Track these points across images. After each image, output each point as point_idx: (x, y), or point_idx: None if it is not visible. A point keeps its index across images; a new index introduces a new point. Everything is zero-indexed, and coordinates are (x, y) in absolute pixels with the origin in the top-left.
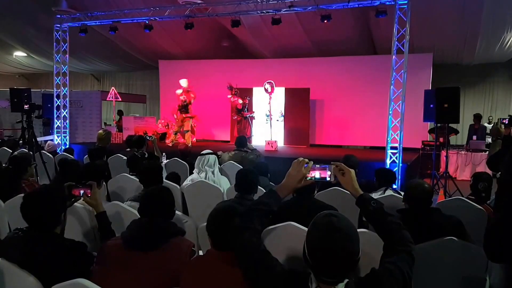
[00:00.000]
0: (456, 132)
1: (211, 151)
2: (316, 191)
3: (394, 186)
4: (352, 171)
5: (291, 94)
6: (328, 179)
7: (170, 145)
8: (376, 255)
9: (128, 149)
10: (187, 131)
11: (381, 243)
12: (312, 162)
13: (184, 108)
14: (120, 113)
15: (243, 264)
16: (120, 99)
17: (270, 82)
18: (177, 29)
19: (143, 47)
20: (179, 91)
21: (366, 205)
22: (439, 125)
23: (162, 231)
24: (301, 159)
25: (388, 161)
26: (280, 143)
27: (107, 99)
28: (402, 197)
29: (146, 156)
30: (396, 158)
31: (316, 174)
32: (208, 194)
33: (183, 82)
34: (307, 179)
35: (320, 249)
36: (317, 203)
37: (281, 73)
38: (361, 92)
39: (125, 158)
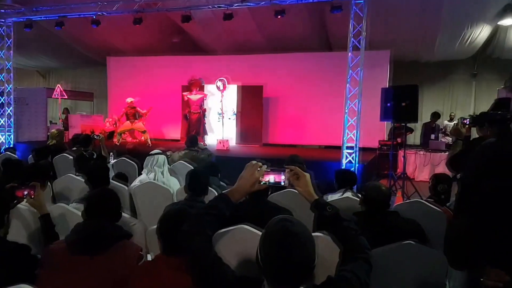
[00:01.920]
0: (411, 131)
1: (160, 151)
2: (269, 193)
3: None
4: (308, 175)
5: (244, 92)
6: (282, 183)
7: (118, 143)
8: (333, 262)
9: (74, 148)
10: (145, 131)
11: (337, 249)
12: (265, 166)
13: (133, 116)
14: (66, 111)
15: (193, 271)
16: (66, 97)
17: (222, 79)
18: (126, 24)
19: (91, 43)
20: (129, 100)
21: (322, 210)
22: (396, 124)
23: (107, 235)
24: (254, 162)
25: (344, 161)
26: (233, 142)
27: (52, 97)
28: (359, 199)
29: (95, 156)
30: (352, 158)
31: (271, 178)
32: (157, 195)
33: (129, 99)
34: (261, 183)
35: (274, 256)
36: (271, 205)
37: (234, 69)
38: (316, 89)
39: (71, 157)
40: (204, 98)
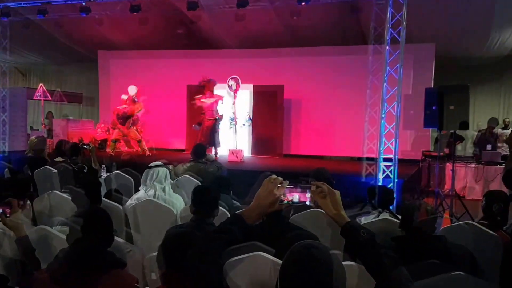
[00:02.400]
0: (461, 139)
1: (162, 163)
2: (291, 214)
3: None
4: (337, 193)
5: (260, 93)
6: (308, 203)
7: (112, 154)
8: None
9: (59, 159)
10: (140, 140)
11: (373, 281)
12: (287, 182)
13: (123, 119)
14: (50, 115)
15: None
16: (50, 98)
17: (235, 78)
18: (122, 13)
19: (79, 34)
20: (124, 97)
21: (354, 235)
22: (443, 132)
23: (97, 263)
24: (274, 177)
25: (380, 176)
26: (247, 152)
27: (34, 98)
28: (398, 221)
29: (85, 169)
30: (390, 172)
31: (294, 197)
32: (158, 216)
33: (131, 90)
34: (283, 202)
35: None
36: (293, 228)
37: (248, 67)
38: (346, 90)
39: (55, 171)
40: (221, 102)
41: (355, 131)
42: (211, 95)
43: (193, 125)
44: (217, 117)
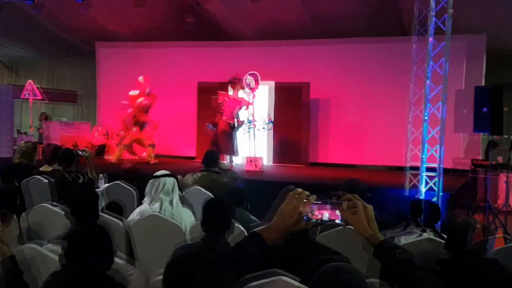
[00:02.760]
0: None
1: (168, 172)
2: (318, 232)
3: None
4: (370, 208)
5: (282, 91)
6: (339, 221)
7: (115, 161)
8: None
9: (50, 168)
10: (153, 145)
11: None
12: (314, 196)
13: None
14: (44, 116)
15: None
16: (40, 97)
17: (254, 74)
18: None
19: (75, 23)
20: (134, 92)
21: (388, 257)
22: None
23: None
24: (299, 190)
25: (422, 188)
26: (267, 160)
27: (21, 97)
28: (444, 242)
29: (81, 180)
30: (434, 184)
31: (324, 214)
32: (164, 234)
33: (142, 80)
34: (311, 221)
35: None
36: (321, 250)
37: (268, 61)
38: (384, 87)
39: (46, 181)
40: (245, 107)
41: (395, 135)
42: (236, 97)
43: (206, 124)
44: (236, 122)
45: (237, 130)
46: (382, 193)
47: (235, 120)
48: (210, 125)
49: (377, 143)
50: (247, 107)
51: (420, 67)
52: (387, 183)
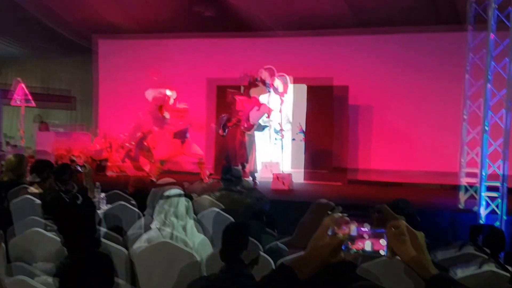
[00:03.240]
0: None
1: (181, 191)
2: (359, 262)
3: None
4: (421, 234)
5: (314, 96)
6: (384, 251)
7: (113, 175)
8: None
9: (44, 185)
10: (202, 162)
11: None
12: (355, 222)
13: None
14: (40, 122)
15: None
16: (32, 101)
17: (282, 75)
18: None
19: (71, 16)
20: (169, 93)
21: None
22: None
23: None
24: (337, 214)
25: (483, 211)
26: (298, 177)
27: (11, 104)
28: (509, 275)
29: (79, 200)
30: (497, 206)
31: (366, 244)
32: (175, 264)
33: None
34: (350, 251)
35: None
36: (361, 284)
37: (297, 59)
38: (433, 91)
39: (39, 201)
40: (266, 115)
41: (445, 148)
42: (255, 100)
43: (213, 124)
44: (253, 130)
45: (253, 141)
46: (434, 216)
47: (254, 128)
48: (222, 127)
49: (428, 154)
50: (269, 115)
51: (478, 52)
52: (440, 204)
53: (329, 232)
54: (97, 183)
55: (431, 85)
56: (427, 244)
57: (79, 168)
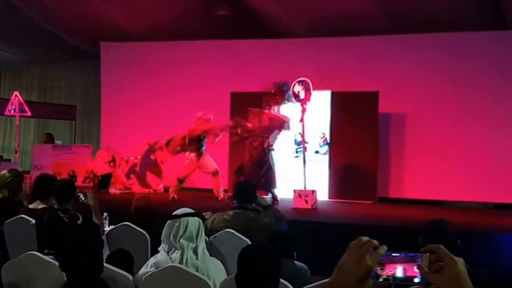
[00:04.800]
0: None
1: (192, 211)
2: None
3: None
4: (460, 261)
5: (342, 104)
6: (418, 279)
7: (117, 193)
8: None
9: (41, 205)
10: (217, 173)
11: None
12: (385, 247)
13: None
14: (48, 138)
15: None
16: (29, 113)
17: (304, 81)
18: None
19: (74, 19)
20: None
21: None
22: None
23: None
24: (365, 239)
25: None
26: (322, 195)
27: (5, 113)
28: None
29: (80, 220)
30: None
31: (398, 270)
32: None
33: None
34: (380, 278)
35: None
36: None
37: (322, 65)
38: (478, 100)
39: (34, 222)
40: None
41: (490, 162)
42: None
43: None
44: (270, 148)
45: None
46: (477, 239)
47: (272, 146)
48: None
49: (471, 170)
50: (283, 127)
51: None
52: (485, 225)
53: (372, 274)
54: (105, 214)
55: (488, 95)
56: (468, 271)
57: (83, 198)
